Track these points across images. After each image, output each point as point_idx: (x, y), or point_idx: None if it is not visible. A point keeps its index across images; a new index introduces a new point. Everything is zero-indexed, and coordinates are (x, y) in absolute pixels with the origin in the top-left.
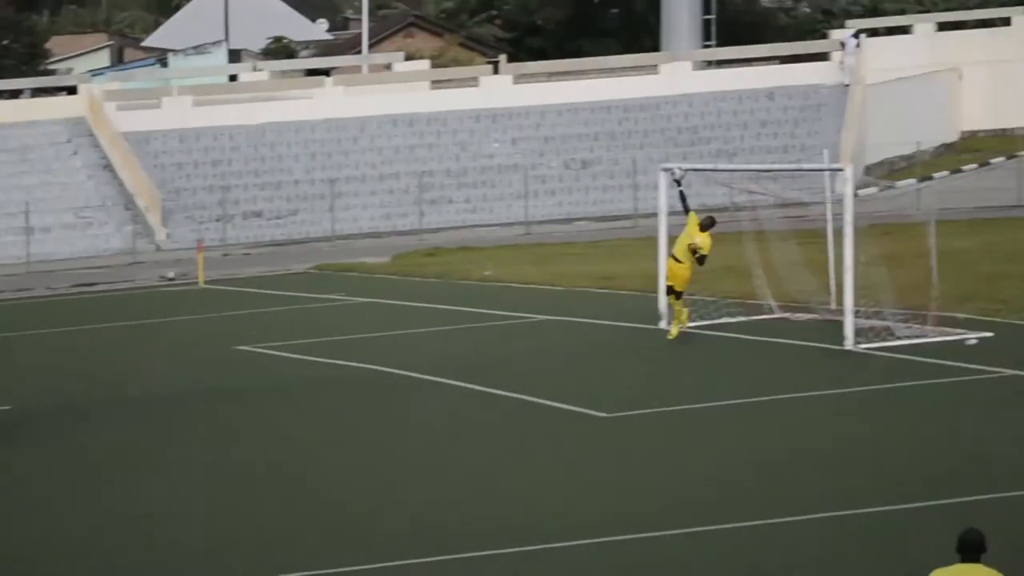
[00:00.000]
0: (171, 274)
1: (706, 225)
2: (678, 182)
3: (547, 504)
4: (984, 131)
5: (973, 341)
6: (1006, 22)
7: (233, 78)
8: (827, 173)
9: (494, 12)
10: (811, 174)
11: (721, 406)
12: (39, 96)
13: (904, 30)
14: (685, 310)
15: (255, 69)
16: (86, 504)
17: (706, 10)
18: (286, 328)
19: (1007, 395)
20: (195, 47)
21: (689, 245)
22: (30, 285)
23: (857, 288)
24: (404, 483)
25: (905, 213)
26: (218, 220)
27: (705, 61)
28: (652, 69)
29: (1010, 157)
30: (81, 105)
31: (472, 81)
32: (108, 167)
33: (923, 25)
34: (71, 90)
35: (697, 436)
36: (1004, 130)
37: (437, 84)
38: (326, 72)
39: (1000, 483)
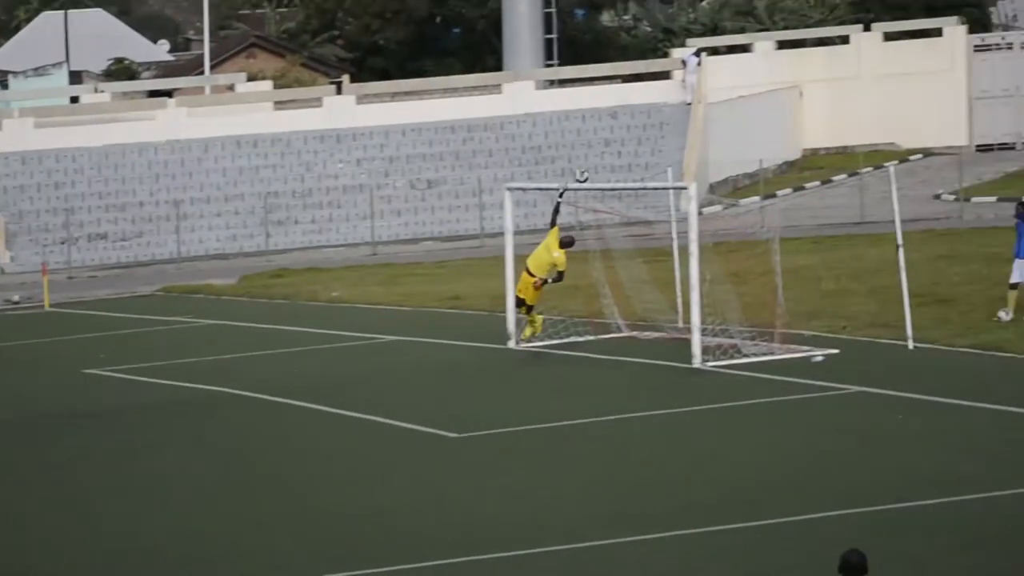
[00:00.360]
0: (16, 297)
1: (566, 243)
2: (561, 195)
3: (396, 525)
4: (826, 148)
5: (819, 358)
6: (845, 40)
7: (75, 100)
8: (671, 191)
9: (336, 32)
10: (656, 192)
11: (571, 425)
12: None
13: (745, 48)
14: (539, 316)
15: (97, 91)
16: None
17: (547, 29)
18: (134, 351)
19: (853, 411)
20: (35, 69)
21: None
22: None
23: (704, 306)
24: (251, 506)
25: (749, 231)
26: (63, 243)
27: (548, 80)
28: (495, 88)
29: (851, 174)
30: None
31: (315, 102)
32: None
33: (763, 44)
34: None
35: (548, 455)
36: (845, 147)
37: (280, 105)
38: (168, 93)
39: (849, 499)
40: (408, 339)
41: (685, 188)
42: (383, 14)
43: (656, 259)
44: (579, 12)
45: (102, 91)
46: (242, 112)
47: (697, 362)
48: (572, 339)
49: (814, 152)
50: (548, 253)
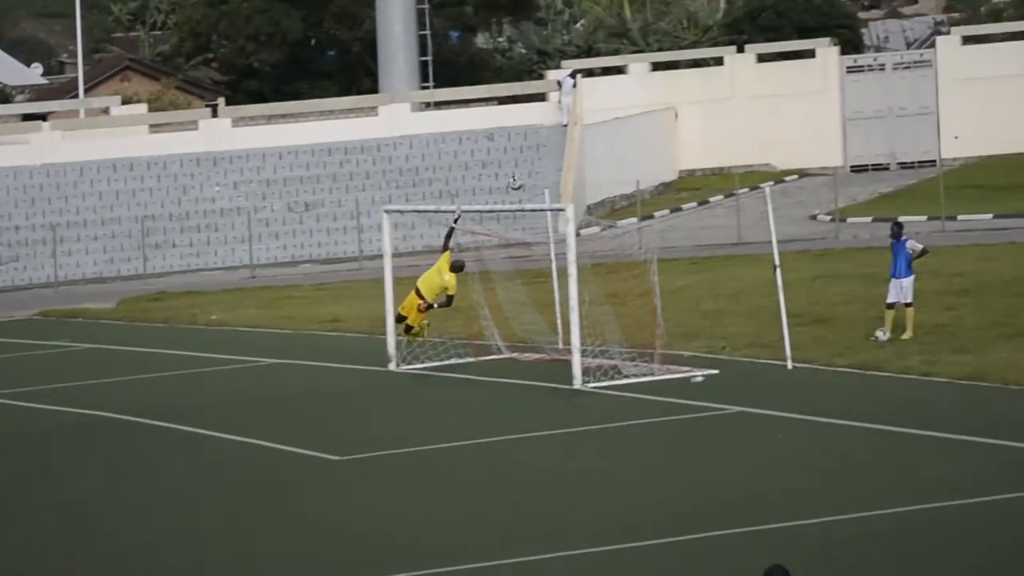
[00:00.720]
0: None
1: (456, 267)
2: (455, 221)
3: (274, 549)
4: (702, 170)
5: (699, 378)
6: (719, 62)
7: None
8: (549, 213)
9: (210, 55)
10: (534, 214)
11: (452, 447)
12: None
13: (619, 70)
14: (426, 323)
15: None
16: None
17: (422, 52)
18: (12, 375)
19: (733, 431)
20: None
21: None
22: None
23: (583, 327)
24: (134, 532)
25: (627, 252)
26: None
27: (424, 103)
28: (371, 111)
29: (728, 195)
30: None
31: (191, 125)
32: None
33: (638, 65)
34: None
35: (430, 477)
36: (721, 168)
37: (156, 128)
38: (43, 117)
39: (727, 519)
40: (288, 362)
41: (563, 210)
42: (257, 36)
43: (535, 280)
44: (453, 34)
45: None
46: (117, 135)
47: (577, 383)
48: (452, 361)
49: (691, 173)
50: (439, 276)
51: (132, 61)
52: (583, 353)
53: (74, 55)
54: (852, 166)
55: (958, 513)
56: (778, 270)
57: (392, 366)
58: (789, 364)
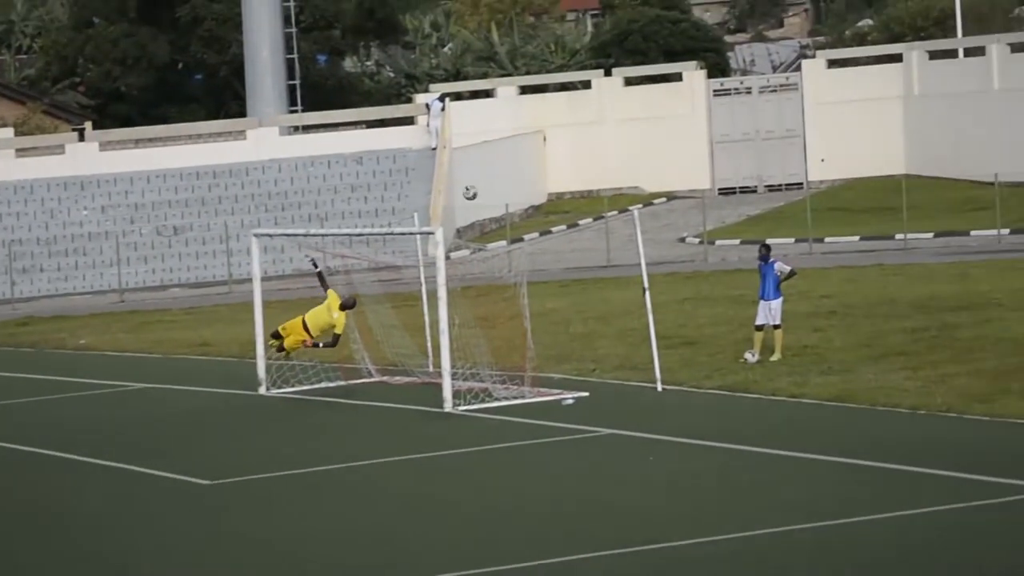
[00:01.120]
0: None
1: (347, 305)
2: (315, 264)
3: (148, 572)
4: (571, 192)
5: (570, 401)
6: (587, 85)
7: None
8: (418, 236)
9: (77, 79)
10: (403, 237)
11: (323, 471)
12: None
13: (488, 94)
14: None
15: None
16: None
17: (290, 75)
18: None
19: (604, 453)
20: None
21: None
22: None
23: (454, 350)
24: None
25: (497, 275)
26: None
27: (292, 126)
28: (240, 135)
29: (597, 218)
30: None
31: (58, 149)
32: None
33: (506, 89)
34: None
35: (299, 501)
36: (590, 191)
37: (22, 152)
38: None
39: (595, 543)
40: (158, 386)
41: (432, 233)
42: (124, 60)
43: (405, 304)
44: (321, 58)
45: None
46: None
47: (448, 406)
48: (323, 384)
49: (559, 196)
50: (328, 314)
51: None
52: (454, 376)
53: None
54: (720, 189)
55: (813, 535)
56: (647, 292)
57: (262, 390)
58: (659, 386)
